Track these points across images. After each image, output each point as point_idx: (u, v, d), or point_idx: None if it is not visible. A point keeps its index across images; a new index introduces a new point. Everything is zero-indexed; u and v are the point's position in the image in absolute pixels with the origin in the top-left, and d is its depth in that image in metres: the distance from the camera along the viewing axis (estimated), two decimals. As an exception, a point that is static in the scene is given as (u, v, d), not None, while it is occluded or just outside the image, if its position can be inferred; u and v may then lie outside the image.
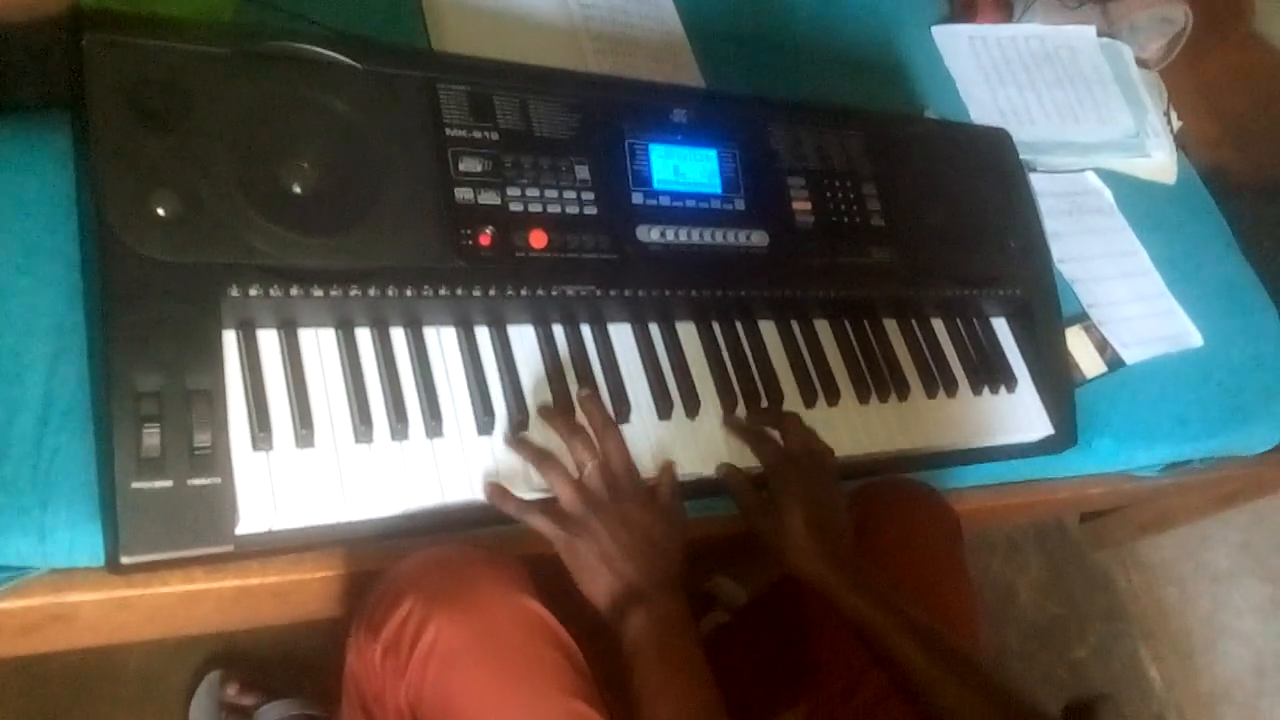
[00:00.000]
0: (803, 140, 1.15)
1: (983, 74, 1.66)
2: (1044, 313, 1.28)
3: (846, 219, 1.13)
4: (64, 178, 0.88)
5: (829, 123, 1.18)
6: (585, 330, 0.99)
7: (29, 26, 0.85)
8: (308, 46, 0.90)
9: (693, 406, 1.00)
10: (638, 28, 1.30)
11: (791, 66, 1.47)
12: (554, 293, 0.95)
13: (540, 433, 0.92)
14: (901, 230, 1.17)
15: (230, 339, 0.83)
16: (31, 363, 0.82)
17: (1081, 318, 1.44)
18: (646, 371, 1.00)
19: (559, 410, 0.93)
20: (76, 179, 0.86)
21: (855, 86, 1.52)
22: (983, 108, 1.62)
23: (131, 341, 0.76)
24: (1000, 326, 1.27)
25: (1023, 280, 1.27)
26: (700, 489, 0.98)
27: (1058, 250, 1.45)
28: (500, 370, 0.93)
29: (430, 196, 0.91)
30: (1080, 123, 1.67)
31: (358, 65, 0.91)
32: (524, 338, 0.96)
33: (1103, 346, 1.42)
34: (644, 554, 0.86)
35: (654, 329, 1.03)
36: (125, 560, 0.74)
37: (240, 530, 0.78)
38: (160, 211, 0.79)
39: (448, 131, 0.94)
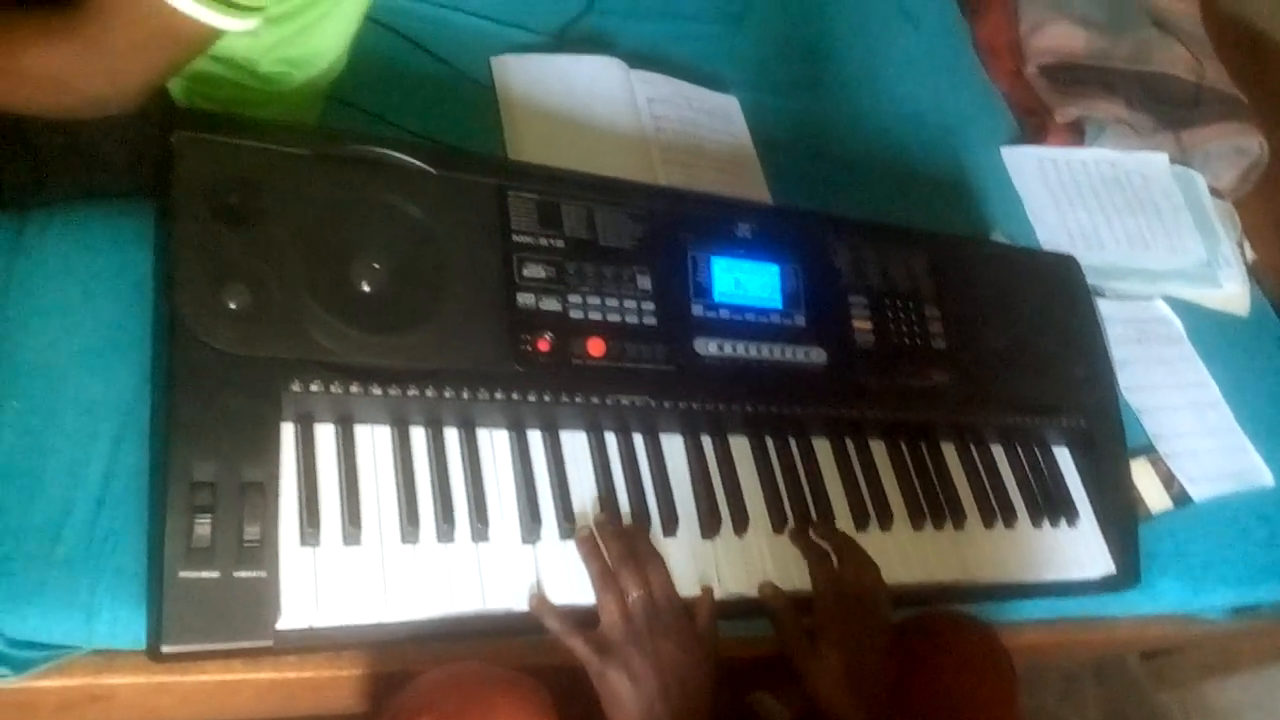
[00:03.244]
0: (866, 258, 1.15)
1: (1051, 197, 1.66)
2: (1109, 444, 1.25)
3: (907, 340, 1.13)
4: (143, 263, 0.91)
5: (893, 242, 1.18)
6: (637, 440, 0.99)
7: (117, 120, 0.89)
8: (384, 151, 0.92)
9: (741, 523, 0.98)
10: (708, 140, 1.33)
11: (859, 182, 1.49)
12: (609, 401, 0.95)
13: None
14: (963, 354, 1.16)
15: (288, 432, 0.84)
16: (95, 443, 0.84)
17: (1147, 449, 1.40)
18: (696, 485, 0.99)
19: (607, 531, 0.91)
20: (154, 267, 0.89)
21: (922, 204, 1.52)
22: (1051, 231, 1.61)
23: (192, 431, 0.77)
24: (1063, 456, 1.24)
25: (1087, 409, 1.25)
26: (743, 609, 0.96)
27: (1125, 379, 1.42)
28: (550, 476, 0.93)
29: (493, 300, 0.92)
30: (1151, 249, 1.65)
31: (432, 170, 0.94)
32: (576, 444, 0.96)
33: (1169, 481, 1.38)
34: (676, 697, 0.84)
35: (706, 442, 1.02)
36: (166, 650, 0.74)
37: (281, 626, 0.78)
38: (231, 305, 0.81)
39: (514, 237, 0.95)
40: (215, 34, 0.82)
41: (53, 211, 0.93)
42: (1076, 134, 1.77)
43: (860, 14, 1.73)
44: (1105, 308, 1.51)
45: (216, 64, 0.96)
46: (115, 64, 0.81)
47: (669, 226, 1.04)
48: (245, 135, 0.87)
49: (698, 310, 1.02)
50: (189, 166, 0.84)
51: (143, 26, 0.78)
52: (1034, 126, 1.77)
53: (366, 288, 0.88)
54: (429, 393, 0.88)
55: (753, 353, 1.03)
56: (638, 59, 1.38)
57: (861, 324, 1.11)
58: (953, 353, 1.15)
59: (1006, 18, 1.85)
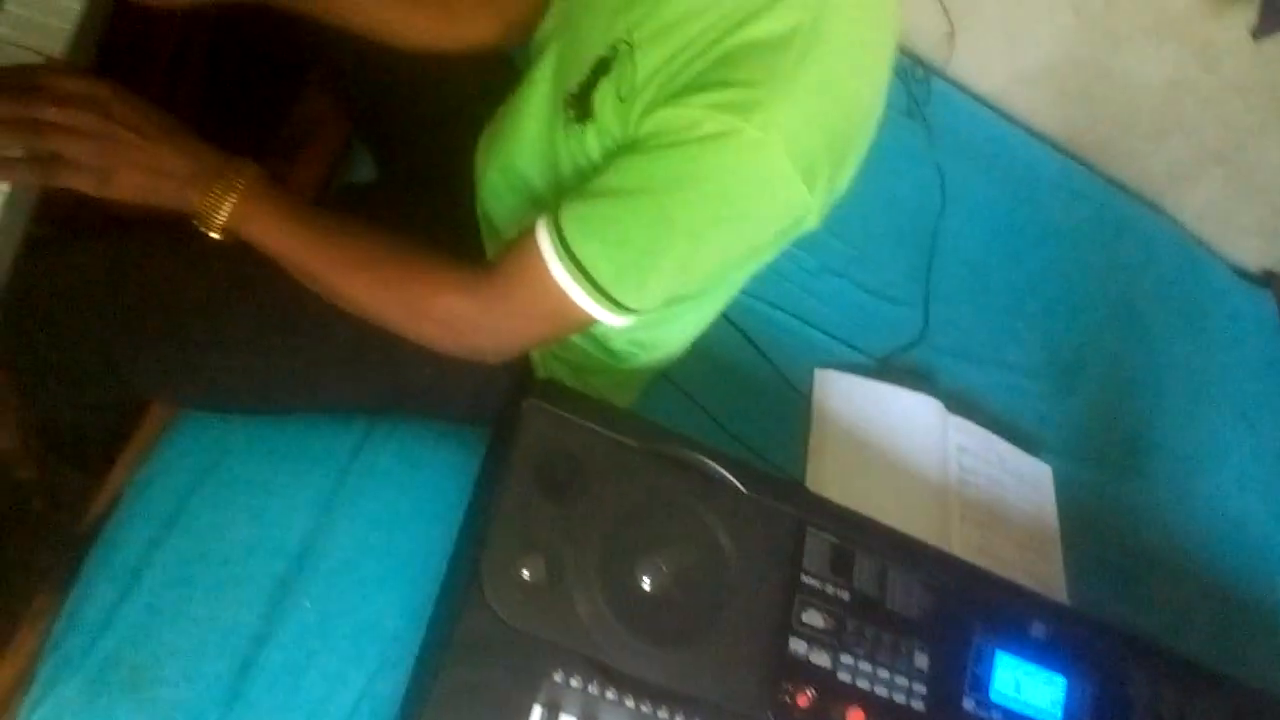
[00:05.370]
0: (1163, 694, 1.03)
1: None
2: None
3: (1195, 807, 0.99)
4: (453, 494, 0.96)
5: (1198, 684, 1.06)
6: (870, 833, 0.91)
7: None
8: (705, 460, 0.94)
9: None
10: (1012, 506, 1.27)
11: (1163, 585, 1.37)
12: (852, 783, 0.88)
13: None
14: (1257, 843, 1.00)
15: (536, 716, 0.83)
16: (358, 665, 0.87)
17: None
18: None
19: None
20: (467, 510, 0.92)
21: (1229, 627, 1.39)
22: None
23: (453, 696, 0.78)
24: None
25: None
26: None
27: None
28: (771, 844, 0.87)
29: (765, 639, 0.89)
30: None
31: (743, 489, 0.94)
32: (804, 814, 0.89)
33: None
34: None
35: None
36: None
37: None
38: (526, 575, 0.83)
39: (803, 578, 0.93)
40: (595, 323, 0.87)
41: (395, 425, 1.01)
42: None
43: (1196, 403, 1.64)
44: None
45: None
46: (504, 325, 0.88)
47: (959, 605, 0.98)
48: (587, 416, 0.91)
49: (969, 705, 0.95)
50: (530, 433, 0.88)
51: (538, 302, 0.85)
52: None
53: (648, 587, 0.87)
54: (678, 719, 0.85)
55: (1018, 772, 0.93)
56: (957, 400, 1.36)
57: (1146, 772, 0.99)
58: (1247, 838, 1.00)
59: (1360, 443, 1.70)
